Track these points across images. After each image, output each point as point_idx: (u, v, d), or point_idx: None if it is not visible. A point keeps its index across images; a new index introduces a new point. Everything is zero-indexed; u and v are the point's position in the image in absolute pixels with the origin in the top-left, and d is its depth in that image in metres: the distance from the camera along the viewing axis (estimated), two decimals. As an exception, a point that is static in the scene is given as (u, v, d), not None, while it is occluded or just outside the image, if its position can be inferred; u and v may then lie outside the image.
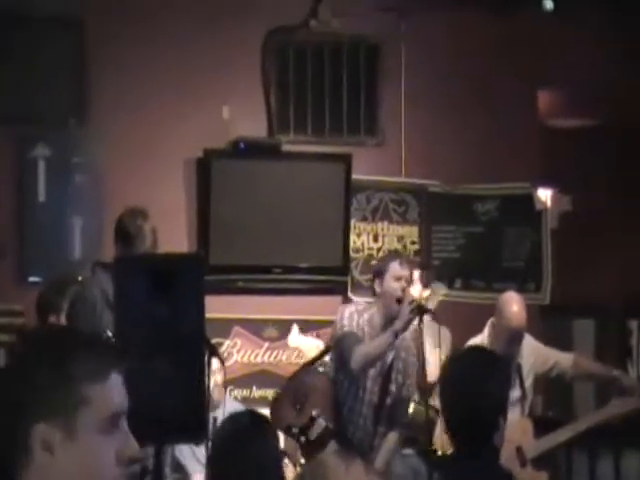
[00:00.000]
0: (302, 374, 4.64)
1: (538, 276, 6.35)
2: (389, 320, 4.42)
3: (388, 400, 4.49)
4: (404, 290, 4.42)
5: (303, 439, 4.21)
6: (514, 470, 4.61)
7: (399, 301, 4.38)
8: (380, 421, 4.48)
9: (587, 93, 6.50)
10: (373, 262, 5.74)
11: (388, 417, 4.49)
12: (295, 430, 4.23)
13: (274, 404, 4.50)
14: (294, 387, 4.47)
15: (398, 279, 4.44)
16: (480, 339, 4.81)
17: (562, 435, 4.84)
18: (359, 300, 5.33)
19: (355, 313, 4.51)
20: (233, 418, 2.81)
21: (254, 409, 3.26)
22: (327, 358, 4.75)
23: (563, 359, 5.01)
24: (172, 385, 3.28)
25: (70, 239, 5.53)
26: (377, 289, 4.52)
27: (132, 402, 3.30)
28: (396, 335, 4.32)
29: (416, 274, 5.23)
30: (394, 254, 4.83)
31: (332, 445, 4.23)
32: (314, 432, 4.24)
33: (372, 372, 4.47)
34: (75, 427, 1.46)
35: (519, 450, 4.69)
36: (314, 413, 4.25)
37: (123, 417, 1.54)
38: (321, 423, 4.25)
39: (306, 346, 5.43)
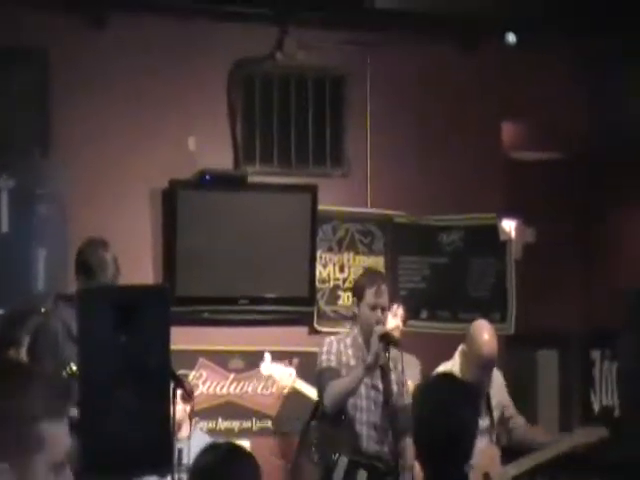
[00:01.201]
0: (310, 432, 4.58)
1: (503, 306, 6.39)
2: (368, 342, 4.42)
3: (389, 413, 4.40)
4: (378, 320, 4.41)
5: None
6: None
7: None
8: (384, 437, 4.41)
9: (551, 126, 6.59)
10: (340, 290, 5.76)
11: (393, 430, 4.40)
12: None
13: (295, 467, 4.47)
14: (308, 444, 4.44)
15: (373, 308, 4.42)
16: (451, 364, 4.81)
17: (527, 463, 4.84)
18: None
19: (334, 341, 4.49)
20: (212, 446, 2.79)
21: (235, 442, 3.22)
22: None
23: (519, 417, 5.03)
24: (137, 417, 3.26)
25: (33, 271, 5.48)
26: (356, 311, 4.52)
27: (98, 435, 3.27)
28: (368, 369, 4.31)
29: (400, 311, 5.24)
30: (372, 277, 4.64)
31: (362, 473, 4.20)
32: (340, 472, 4.20)
33: (364, 391, 4.43)
34: (28, 470, 1.31)
35: (486, 477, 4.70)
36: (334, 456, 4.21)
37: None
38: (344, 460, 4.22)
39: (279, 374, 5.40)
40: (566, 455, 4.88)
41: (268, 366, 5.45)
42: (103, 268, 4.24)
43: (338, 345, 4.46)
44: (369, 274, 4.79)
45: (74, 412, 3.62)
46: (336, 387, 4.33)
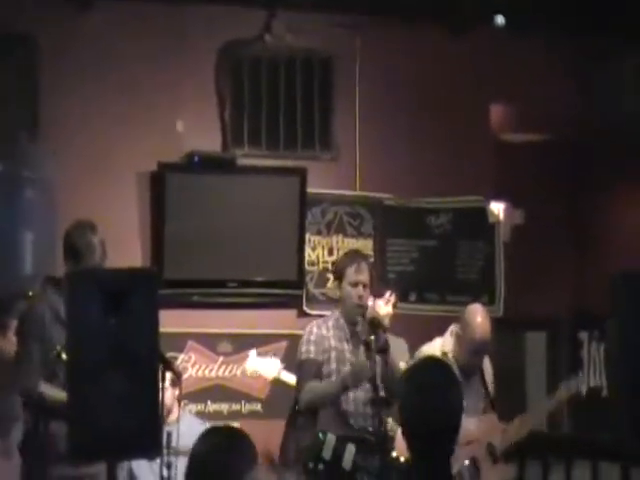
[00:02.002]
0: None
1: (491, 289, 6.41)
2: (351, 323, 4.44)
3: (380, 390, 4.41)
4: (361, 297, 4.43)
5: (321, 466, 4.17)
6: (486, 469, 4.64)
7: (360, 307, 4.40)
8: (372, 411, 4.40)
9: (539, 108, 6.59)
10: (329, 272, 5.79)
11: (378, 404, 4.41)
12: (311, 464, 4.18)
13: (282, 450, 4.47)
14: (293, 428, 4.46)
15: (354, 285, 4.45)
16: (441, 342, 4.83)
17: (525, 425, 4.84)
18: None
19: (315, 327, 4.50)
20: (209, 432, 2.85)
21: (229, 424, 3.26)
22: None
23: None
24: (126, 401, 3.26)
25: (21, 254, 5.46)
26: (337, 292, 4.54)
27: (86, 418, 3.27)
28: (345, 388, 4.30)
29: (387, 296, 5.28)
30: (351, 256, 4.70)
31: (350, 447, 4.20)
32: (328, 450, 4.21)
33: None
34: None
35: (490, 446, 4.72)
36: (322, 435, 4.22)
37: None
38: (331, 439, 4.22)
39: (264, 368, 5.40)
40: (554, 438, 4.91)
41: (253, 361, 5.44)
42: (91, 251, 4.24)
43: (319, 330, 4.46)
44: (348, 255, 4.84)
45: (63, 395, 3.64)
46: (312, 392, 4.33)
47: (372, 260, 6.18)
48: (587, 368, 6.80)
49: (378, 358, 4.41)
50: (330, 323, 4.50)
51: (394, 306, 5.34)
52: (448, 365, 2.79)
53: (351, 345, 4.49)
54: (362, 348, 4.42)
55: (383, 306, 5.16)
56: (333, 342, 4.46)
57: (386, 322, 5.00)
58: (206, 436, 2.77)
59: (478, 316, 4.77)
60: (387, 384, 4.35)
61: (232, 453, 2.69)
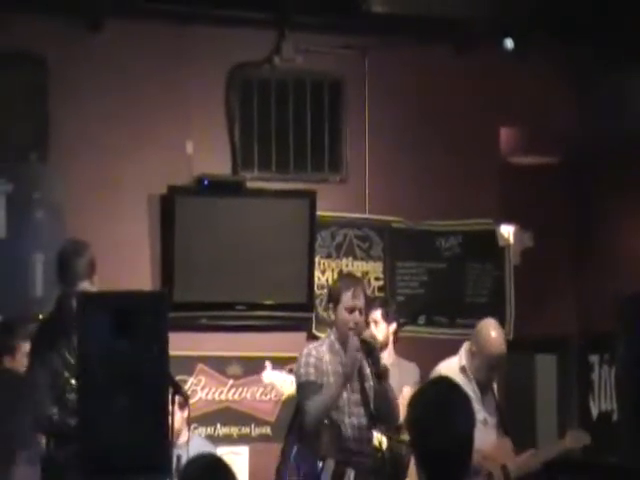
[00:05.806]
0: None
1: (501, 312, 6.38)
2: (345, 347, 4.42)
3: (372, 411, 4.42)
4: (357, 322, 4.41)
5: None
6: None
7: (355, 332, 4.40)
8: (368, 435, 4.42)
9: (547, 130, 6.59)
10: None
11: (379, 421, 4.42)
12: None
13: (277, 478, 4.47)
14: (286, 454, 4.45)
15: (351, 310, 4.42)
16: (457, 359, 4.80)
17: (538, 458, 4.85)
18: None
19: (313, 349, 4.46)
20: (194, 459, 2.88)
21: (216, 454, 3.28)
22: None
23: None
24: (136, 423, 3.26)
25: (31, 275, 5.47)
26: (332, 316, 4.52)
27: (96, 440, 3.27)
28: (347, 378, 4.29)
29: (378, 313, 5.25)
30: (347, 280, 4.69)
31: (349, 472, 4.19)
32: (327, 475, 4.19)
33: (345, 395, 4.42)
34: None
35: (504, 468, 4.70)
36: (320, 461, 4.20)
37: None
38: (330, 463, 4.20)
39: (280, 382, 5.41)
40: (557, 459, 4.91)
41: (269, 374, 5.46)
42: (74, 273, 4.22)
43: (317, 354, 4.43)
44: (344, 278, 4.85)
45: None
46: (317, 403, 4.30)
47: (382, 283, 6.19)
48: (597, 391, 6.75)
49: (371, 383, 4.40)
50: (324, 347, 4.46)
51: (389, 322, 5.32)
52: (457, 385, 2.75)
53: None
54: (355, 373, 4.42)
55: (373, 327, 5.21)
56: (330, 367, 4.44)
57: (381, 338, 4.99)
58: (192, 462, 2.83)
59: (492, 331, 4.77)
60: (379, 407, 4.38)
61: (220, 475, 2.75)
